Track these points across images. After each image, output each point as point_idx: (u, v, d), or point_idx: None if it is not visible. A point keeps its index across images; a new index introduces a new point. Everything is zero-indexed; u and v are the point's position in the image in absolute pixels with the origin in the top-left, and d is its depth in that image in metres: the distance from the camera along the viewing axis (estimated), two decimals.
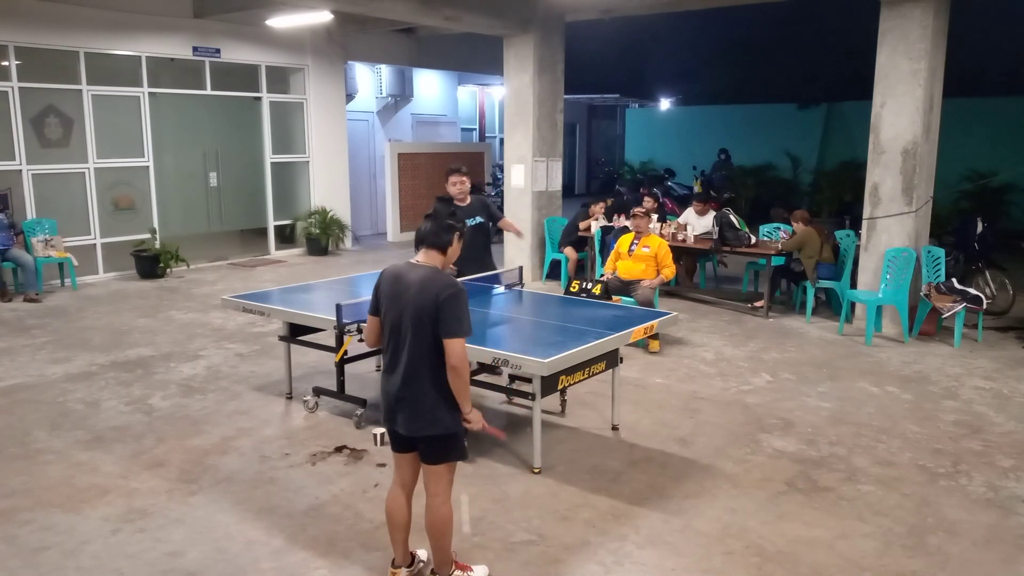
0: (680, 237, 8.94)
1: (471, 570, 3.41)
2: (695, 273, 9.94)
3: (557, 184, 10.80)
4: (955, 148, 11.54)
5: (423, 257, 3.21)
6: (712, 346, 7.24)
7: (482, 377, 5.43)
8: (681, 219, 9.77)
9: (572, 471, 4.49)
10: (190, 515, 4.00)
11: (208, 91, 11.28)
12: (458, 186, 6.37)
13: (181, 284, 10.03)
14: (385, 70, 15.01)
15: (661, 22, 15.96)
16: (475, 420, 3.20)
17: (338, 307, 4.87)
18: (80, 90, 10.02)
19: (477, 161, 15.68)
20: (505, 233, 10.93)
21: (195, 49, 10.93)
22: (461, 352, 3.04)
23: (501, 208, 11.69)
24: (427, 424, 3.14)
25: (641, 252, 7.48)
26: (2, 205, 9.30)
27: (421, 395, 3.12)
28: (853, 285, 8.04)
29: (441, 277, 3.10)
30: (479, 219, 6.52)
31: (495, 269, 6.70)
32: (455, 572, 3.36)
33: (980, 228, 8.58)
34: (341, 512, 4.04)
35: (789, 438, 5.07)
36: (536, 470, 4.47)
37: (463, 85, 17.58)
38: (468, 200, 6.51)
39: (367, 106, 15.03)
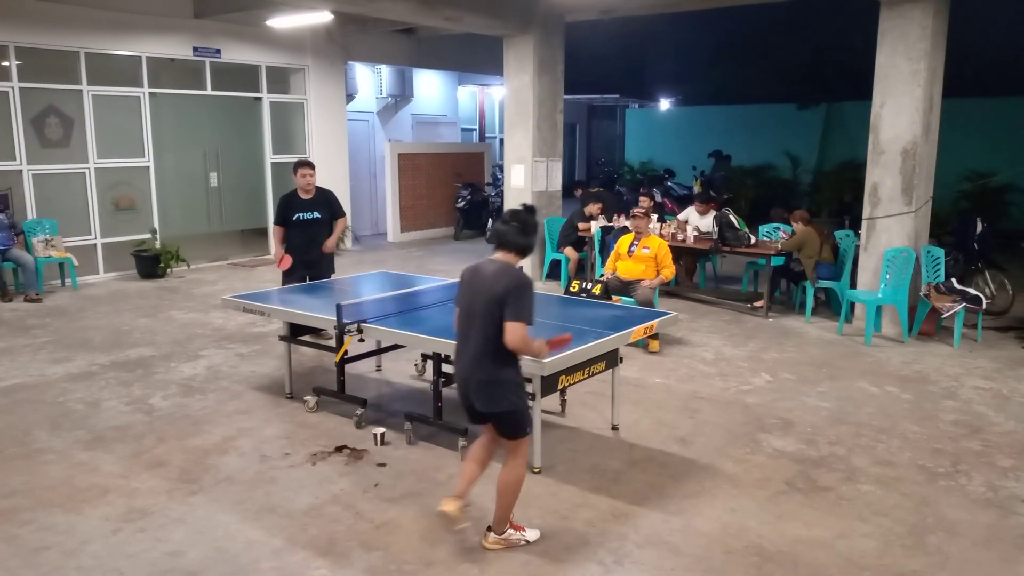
0: (680, 237, 8.95)
1: (524, 531, 3.69)
2: (695, 273, 9.95)
3: (557, 184, 10.80)
4: (954, 148, 11.54)
5: (500, 255, 3.57)
6: (712, 346, 7.24)
7: None
8: (681, 216, 9.77)
9: (572, 471, 4.50)
10: (190, 515, 4.01)
11: (208, 91, 11.28)
12: (306, 178, 6.74)
13: (181, 284, 10.04)
14: (385, 70, 15.02)
15: (661, 22, 15.94)
16: (545, 353, 3.65)
17: (338, 307, 4.87)
18: (80, 90, 10.03)
19: (477, 161, 15.70)
20: None
21: (195, 49, 10.94)
22: (520, 334, 3.37)
23: (501, 207, 11.70)
24: (493, 402, 3.49)
25: (641, 253, 7.48)
26: (3, 205, 9.30)
27: (487, 375, 3.47)
28: (853, 285, 8.04)
29: (512, 270, 3.48)
30: (317, 214, 6.73)
31: (332, 269, 7.00)
32: (508, 530, 3.64)
33: (979, 228, 8.58)
34: (341, 512, 4.04)
35: (789, 438, 5.07)
36: (536, 470, 4.47)
37: (463, 85, 17.58)
38: (313, 194, 6.76)
39: (367, 106, 15.03)
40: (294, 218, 6.73)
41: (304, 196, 6.77)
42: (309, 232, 6.79)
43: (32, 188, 9.71)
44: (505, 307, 3.35)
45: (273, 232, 6.86)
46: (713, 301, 9.07)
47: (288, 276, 6.80)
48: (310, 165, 6.81)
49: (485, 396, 3.48)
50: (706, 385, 6.14)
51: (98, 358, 6.73)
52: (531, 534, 3.71)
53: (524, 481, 3.64)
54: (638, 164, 20.49)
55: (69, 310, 8.53)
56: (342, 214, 7.10)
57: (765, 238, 9.23)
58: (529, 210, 3.61)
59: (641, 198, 10.27)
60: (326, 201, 6.91)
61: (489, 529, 3.67)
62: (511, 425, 3.55)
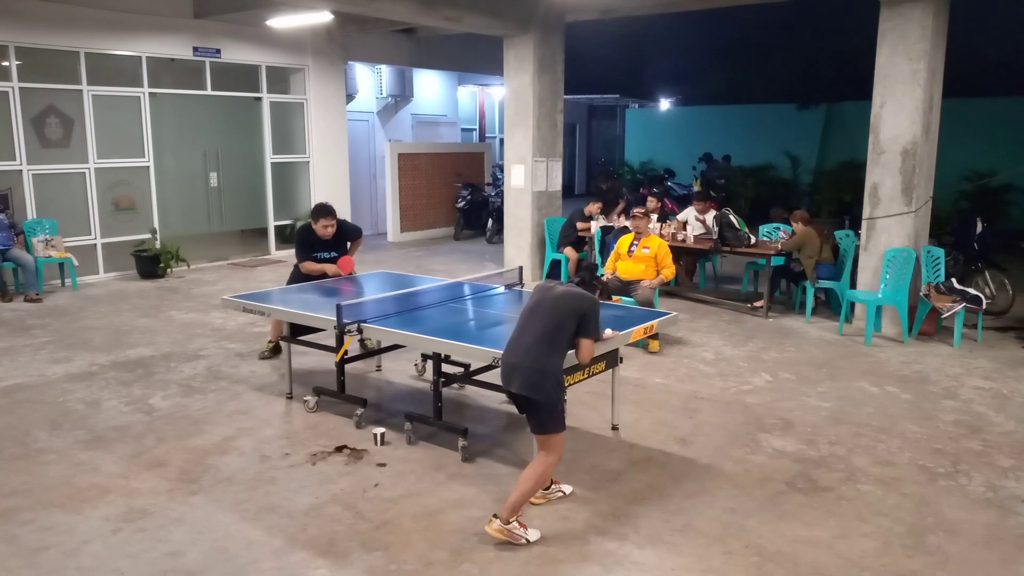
0: (680, 237, 8.95)
1: (526, 529, 3.74)
2: (695, 273, 9.94)
3: (557, 184, 10.80)
4: (955, 148, 11.53)
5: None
6: (712, 346, 7.24)
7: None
8: (681, 217, 9.77)
9: (572, 471, 4.49)
10: (190, 515, 4.01)
11: (208, 91, 11.28)
12: (327, 229, 6.52)
13: (181, 284, 10.04)
14: (385, 70, 15.02)
15: (661, 22, 15.96)
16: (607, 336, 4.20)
17: (338, 307, 4.87)
18: (80, 90, 10.02)
19: (477, 161, 15.70)
20: (505, 232, 10.97)
21: (195, 49, 10.93)
22: (591, 349, 3.92)
23: (501, 207, 11.70)
24: (534, 388, 3.72)
25: (641, 253, 7.48)
26: (3, 205, 9.30)
27: (535, 363, 3.74)
28: (853, 285, 8.04)
29: (581, 291, 3.92)
30: (335, 253, 6.68)
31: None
32: (514, 522, 3.71)
33: (979, 228, 8.57)
34: (341, 512, 4.04)
35: (789, 438, 5.07)
36: None
37: (463, 85, 17.57)
38: (331, 236, 6.59)
39: (367, 106, 15.03)
40: (313, 255, 6.59)
41: (323, 237, 6.57)
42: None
43: (32, 188, 9.71)
44: (581, 324, 3.81)
45: (305, 267, 6.55)
46: (713, 301, 9.07)
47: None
48: (331, 215, 6.51)
49: (529, 382, 3.73)
50: (706, 385, 6.13)
51: (98, 358, 6.73)
52: (532, 534, 3.73)
53: (547, 480, 3.86)
54: (638, 164, 20.48)
55: (69, 310, 8.53)
56: (359, 235, 6.97)
57: (765, 238, 9.23)
58: (590, 269, 4.27)
59: (649, 198, 10.26)
60: (343, 239, 6.74)
61: (494, 517, 3.71)
62: (542, 416, 3.76)
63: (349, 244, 6.88)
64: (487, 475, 4.47)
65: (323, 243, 6.57)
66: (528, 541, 3.69)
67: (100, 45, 10.08)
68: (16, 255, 8.98)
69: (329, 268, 6.53)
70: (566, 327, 3.79)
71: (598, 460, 4.70)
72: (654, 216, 9.31)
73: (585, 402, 5.61)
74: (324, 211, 6.53)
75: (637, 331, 4.79)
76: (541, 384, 3.71)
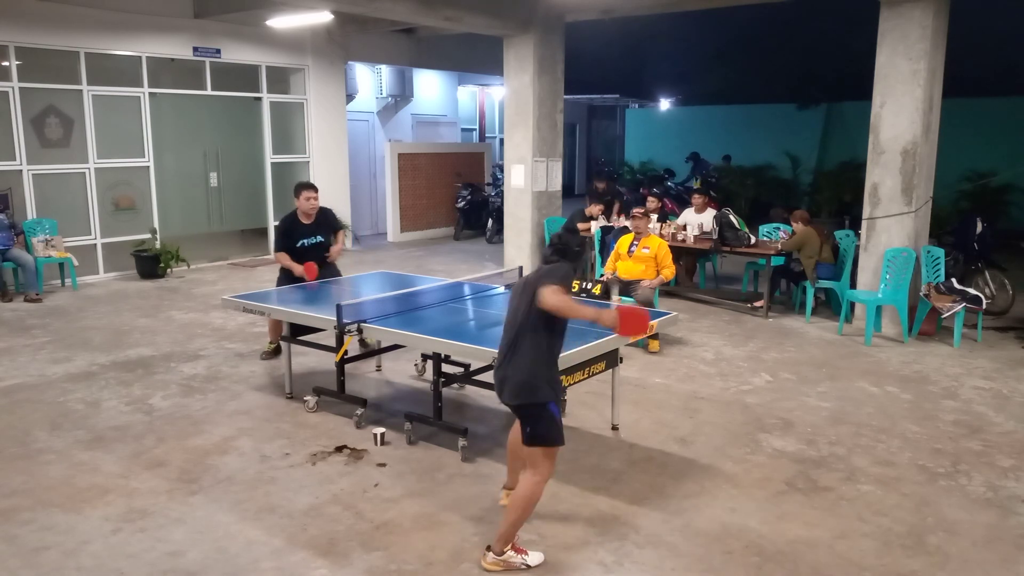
0: (680, 237, 8.95)
1: (526, 554, 3.52)
2: (695, 273, 9.94)
3: (557, 184, 10.81)
4: (955, 148, 11.53)
5: None
6: (712, 346, 7.24)
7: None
8: (680, 220, 9.77)
9: (572, 471, 4.49)
10: (190, 515, 4.01)
11: (208, 91, 11.28)
12: (311, 201, 6.55)
13: (181, 284, 10.04)
14: (385, 70, 15.02)
15: (661, 22, 15.94)
16: (609, 320, 3.44)
17: (338, 307, 4.87)
18: (80, 90, 10.03)
19: (477, 161, 15.70)
20: (505, 232, 10.97)
21: (195, 49, 10.94)
22: (553, 298, 3.30)
23: (501, 207, 11.71)
24: (515, 394, 3.48)
25: (641, 253, 7.49)
26: (2, 205, 9.30)
27: (519, 368, 3.47)
28: (853, 285, 8.04)
29: (551, 266, 3.50)
30: (320, 238, 6.65)
31: (339, 275, 6.85)
32: (508, 551, 3.48)
33: (979, 228, 8.58)
34: (341, 512, 4.04)
35: (789, 438, 5.07)
36: None
37: (463, 85, 17.57)
38: (314, 218, 6.61)
39: (367, 106, 15.03)
40: (298, 245, 6.55)
41: (305, 221, 6.58)
42: (315, 258, 6.59)
43: (32, 188, 9.71)
44: (538, 285, 3.37)
45: (278, 258, 6.59)
46: (713, 301, 9.07)
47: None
48: (313, 188, 6.60)
49: (512, 388, 3.50)
50: (706, 385, 6.13)
51: (98, 358, 6.73)
52: (533, 558, 3.54)
53: (536, 502, 3.51)
54: (638, 164, 20.47)
55: (69, 310, 8.53)
56: (342, 226, 7.04)
57: (765, 238, 9.23)
58: (570, 231, 3.73)
59: (649, 198, 10.26)
60: (327, 222, 6.76)
61: (488, 549, 3.53)
62: (537, 424, 3.45)
63: (333, 236, 6.87)
64: (487, 475, 4.47)
65: (307, 229, 6.57)
66: (528, 567, 3.49)
67: (100, 45, 10.08)
68: (16, 255, 8.98)
69: (296, 268, 6.45)
70: (534, 316, 3.40)
71: (598, 460, 4.70)
72: (654, 216, 9.31)
73: (585, 402, 5.61)
74: (307, 184, 6.70)
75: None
76: (528, 387, 3.45)
